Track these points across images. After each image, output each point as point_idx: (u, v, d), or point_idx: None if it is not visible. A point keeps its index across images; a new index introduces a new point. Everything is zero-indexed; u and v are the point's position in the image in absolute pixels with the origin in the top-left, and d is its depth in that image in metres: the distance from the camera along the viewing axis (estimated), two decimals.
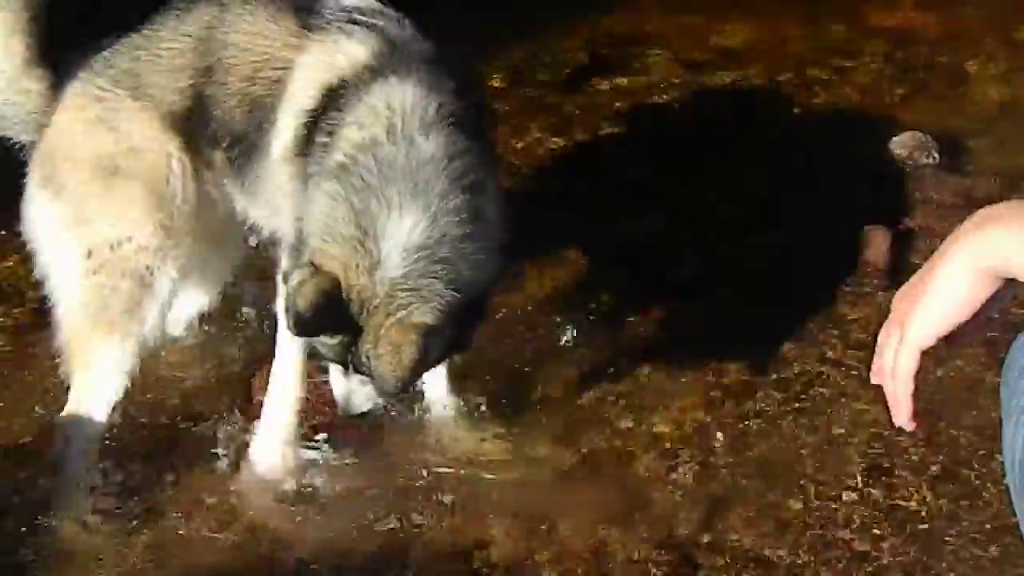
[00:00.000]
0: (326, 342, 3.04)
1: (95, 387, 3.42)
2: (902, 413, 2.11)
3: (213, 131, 3.38)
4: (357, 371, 3.07)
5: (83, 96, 3.39)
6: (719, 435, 3.84)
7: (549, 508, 3.58)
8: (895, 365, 2.07)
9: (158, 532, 3.47)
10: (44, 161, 3.42)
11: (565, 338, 4.20)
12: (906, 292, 2.10)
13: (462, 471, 3.67)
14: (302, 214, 3.15)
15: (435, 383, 3.77)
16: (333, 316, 2.95)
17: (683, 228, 4.74)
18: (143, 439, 3.72)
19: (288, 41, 3.28)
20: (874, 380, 2.16)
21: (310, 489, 3.61)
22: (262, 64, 3.31)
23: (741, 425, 3.89)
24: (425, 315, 2.93)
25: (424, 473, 3.66)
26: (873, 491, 3.61)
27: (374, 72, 3.14)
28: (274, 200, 3.37)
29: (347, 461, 3.69)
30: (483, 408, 3.86)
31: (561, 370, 4.08)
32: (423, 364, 2.98)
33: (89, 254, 3.37)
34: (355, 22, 3.23)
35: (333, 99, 3.16)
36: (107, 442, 3.55)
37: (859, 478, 3.67)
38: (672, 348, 4.16)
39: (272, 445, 3.60)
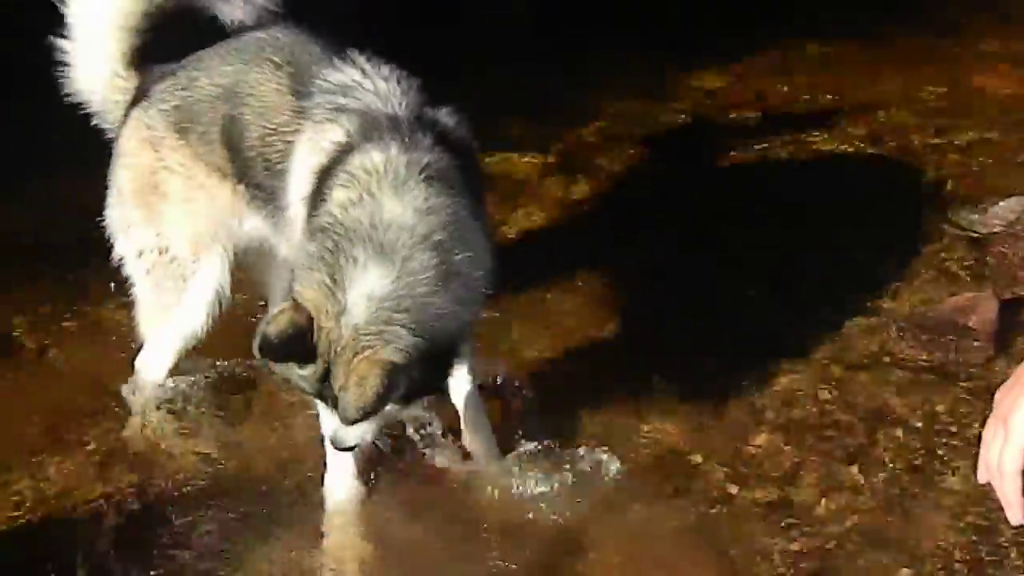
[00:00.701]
0: (300, 373, 3.30)
1: (151, 357, 4.12)
2: (1015, 511, 2.10)
3: (239, 170, 3.82)
4: (325, 402, 3.34)
5: (139, 119, 3.93)
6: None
7: None
8: (1000, 463, 2.07)
9: None
10: (112, 165, 4.02)
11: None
12: (1009, 388, 2.09)
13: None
14: (293, 263, 3.48)
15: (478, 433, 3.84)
16: (299, 347, 3.24)
17: (780, 290, 4.71)
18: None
19: (289, 119, 3.67)
20: (981, 479, 2.16)
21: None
22: (270, 134, 3.71)
23: None
24: (391, 354, 3.18)
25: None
26: None
27: (352, 147, 3.46)
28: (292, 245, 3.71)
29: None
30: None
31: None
32: (386, 396, 3.19)
33: (140, 254, 3.99)
34: (338, 106, 3.56)
35: (324, 178, 3.49)
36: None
37: None
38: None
39: (340, 479, 3.76)
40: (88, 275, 4.68)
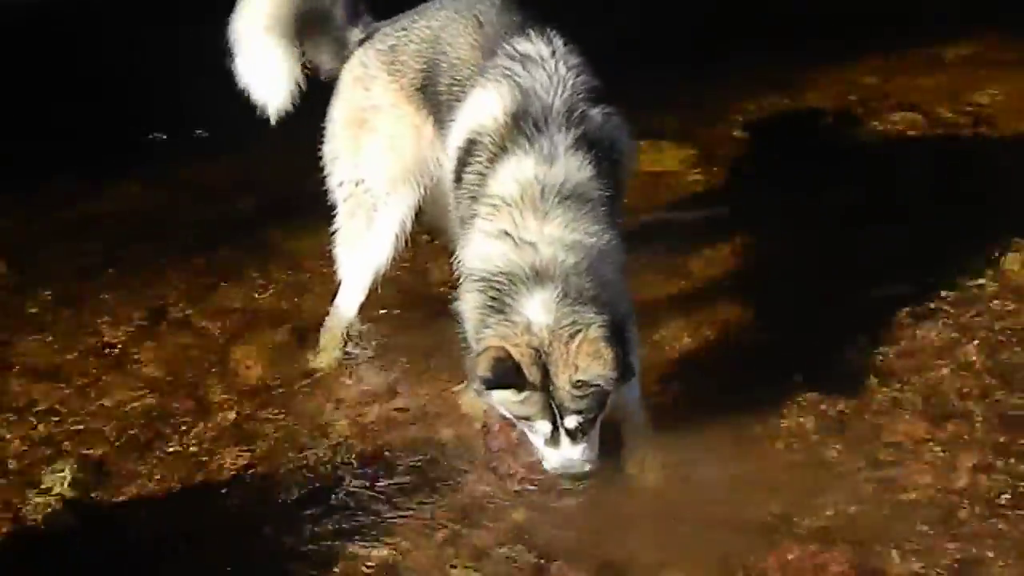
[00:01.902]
0: (515, 402, 3.52)
1: (346, 288, 4.41)
2: None
3: (431, 107, 4.07)
4: (567, 409, 3.50)
5: (357, 60, 4.22)
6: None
7: None
8: None
9: None
10: (331, 101, 4.29)
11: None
12: None
13: None
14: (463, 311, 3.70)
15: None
16: (510, 374, 3.47)
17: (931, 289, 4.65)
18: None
19: (470, 74, 3.90)
20: None
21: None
22: (455, 84, 3.96)
23: None
24: (597, 329, 3.47)
25: None
26: None
27: (505, 134, 3.69)
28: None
29: None
30: None
31: None
32: (623, 358, 3.48)
33: (341, 184, 4.27)
34: (511, 74, 3.76)
35: (470, 151, 3.77)
36: None
37: None
38: None
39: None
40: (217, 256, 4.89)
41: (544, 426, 3.56)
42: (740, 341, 4.44)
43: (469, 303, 3.64)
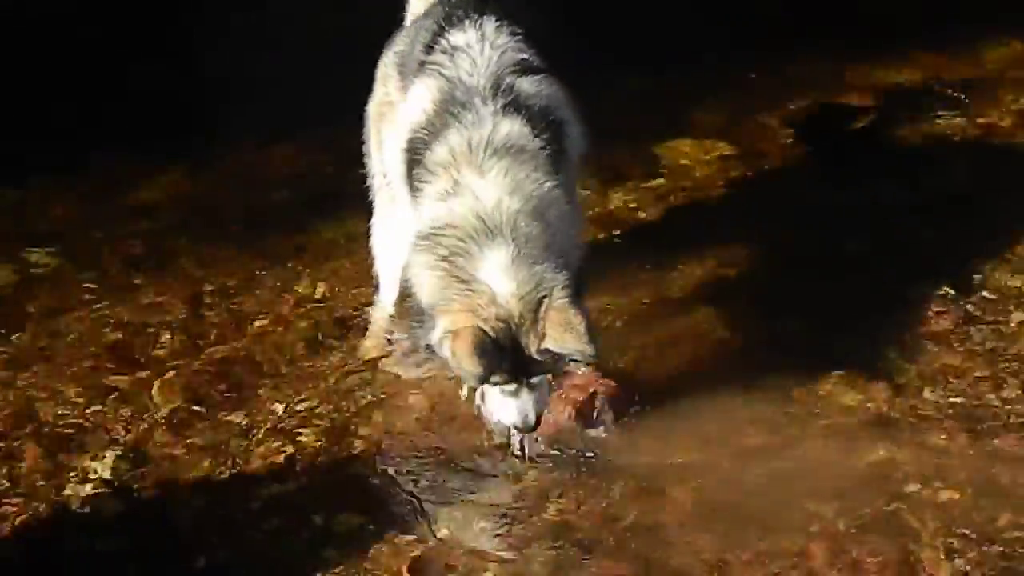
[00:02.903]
0: (501, 385, 3.58)
1: (382, 280, 4.53)
2: None
3: None
4: (534, 370, 3.56)
5: (382, 59, 4.37)
6: None
7: None
8: None
9: None
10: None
11: None
12: None
13: None
14: (417, 292, 3.67)
15: None
16: (493, 353, 3.47)
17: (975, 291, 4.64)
18: None
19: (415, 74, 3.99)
20: None
21: None
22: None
23: None
24: (562, 293, 3.49)
25: None
26: None
27: (435, 121, 3.78)
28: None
29: None
30: None
31: None
32: (591, 323, 3.52)
33: (373, 177, 4.42)
34: (438, 71, 3.88)
35: (412, 150, 3.85)
36: None
37: None
38: None
39: None
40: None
41: (510, 387, 3.61)
42: (773, 337, 4.43)
43: (419, 264, 3.63)
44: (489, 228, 3.55)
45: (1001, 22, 6.53)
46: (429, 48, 3.95)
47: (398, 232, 4.23)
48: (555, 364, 3.60)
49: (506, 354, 3.50)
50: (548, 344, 3.49)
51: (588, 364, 3.77)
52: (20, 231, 5.22)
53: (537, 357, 3.52)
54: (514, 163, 3.65)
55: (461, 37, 3.90)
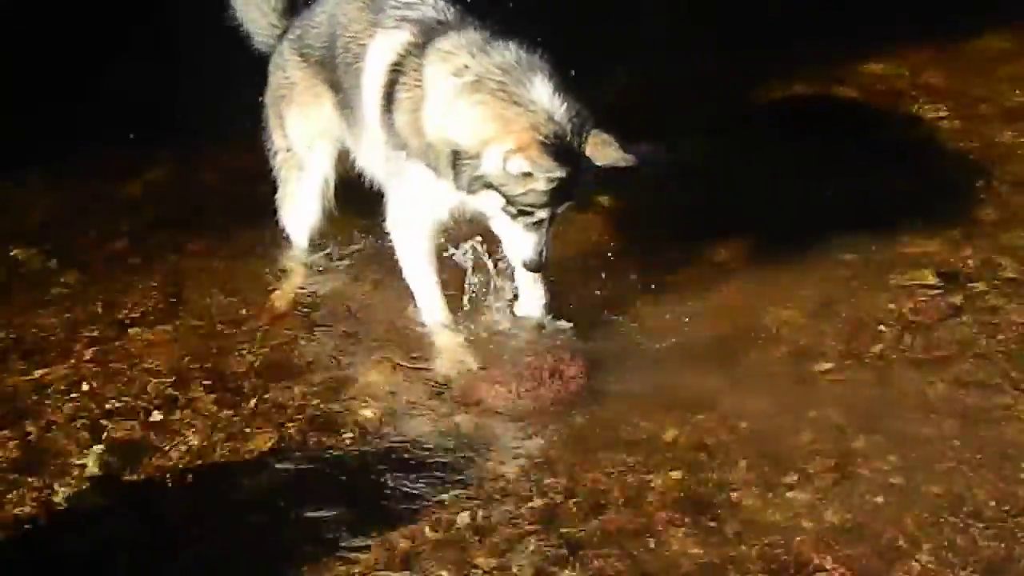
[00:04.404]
0: (542, 191, 3.93)
1: (289, 228, 5.01)
2: None
3: (335, 80, 4.61)
4: (569, 195, 4.00)
5: (276, 51, 4.90)
6: None
7: None
8: None
9: None
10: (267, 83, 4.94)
11: None
12: None
13: None
14: (456, 137, 4.04)
15: None
16: (561, 151, 3.91)
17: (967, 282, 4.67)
18: None
19: (364, 28, 4.43)
20: None
21: None
22: (349, 44, 4.48)
23: None
24: (592, 121, 3.98)
25: None
26: None
27: (423, 43, 4.20)
28: (369, 142, 4.49)
29: None
30: None
31: None
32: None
33: (276, 154, 4.93)
34: (404, 16, 4.33)
35: (398, 71, 4.23)
36: None
37: None
38: None
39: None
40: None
41: (544, 213, 3.99)
42: (765, 328, 4.46)
43: (469, 102, 3.99)
44: (528, 67, 3.99)
45: (989, 15, 6.56)
46: (379, 10, 4.41)
47: (300, 193, 4.86)
48: (583, 192, 4.06)
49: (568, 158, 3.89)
50: (593, 158, 3.93)
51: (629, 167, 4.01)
52: (4, 228, 5.22)
53: (580, 177, 3.94)
54: (516, 44, 4.09)
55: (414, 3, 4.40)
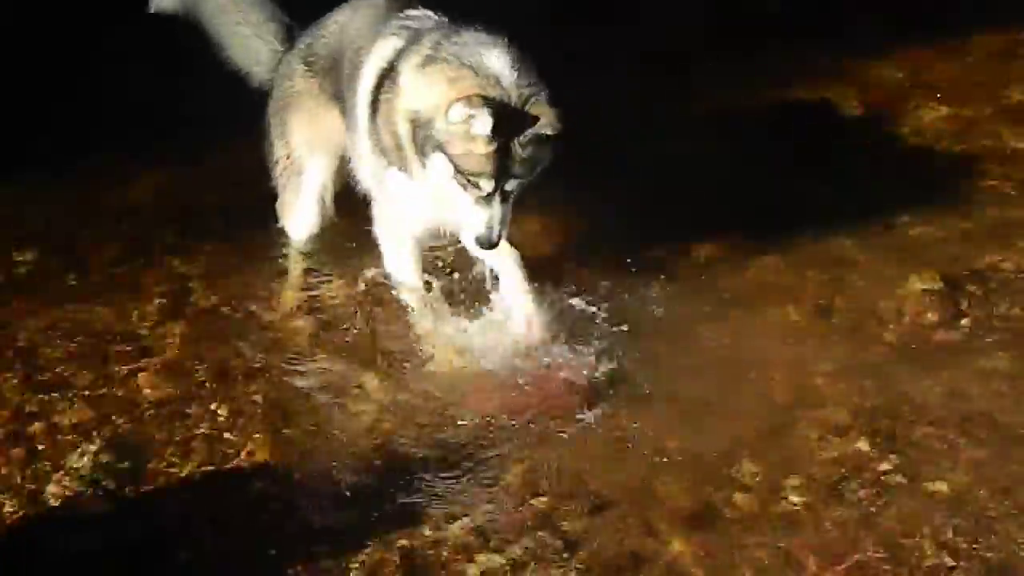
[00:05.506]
0: (481, 154, 3.96)
1: (290, 231, 5.05)
2: None
3: (339, 91, 4.68)
4: (513, 169, 4.00)
5: (284, 61, 4.98)
6: None
7: None
8: None
9: None
10: (269, 94, 5.03)
11: None
12: None
13: None
14: (416, 106, 4.14)
15: None
16: (501, 111, 3.95)
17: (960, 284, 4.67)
18: None
19: (367, 40, 4.51)
20: None
21: None
22: (356, 54, 4.55)
23: None
24: (544, 94, 4.02)
25: None
26: None
27: (407, 48, 4.30)
28: (360, 151, 4.58)
29: None
30: None
31: None
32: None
33: (277, 162, 4.98)
34: (401, 26, 4.44)
35: (386, 75, 4.33)
36: None
37: None
38: None
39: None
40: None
41: (488, 184, 4.02)
42: (765, 328, 4.48)
43: (428, 73, 4.10)
44: (485, 42, 4.10)
45: (989, 15, 6.56)
46: (386, 22, 4.49)
47: (300, 200, 4.92)
48: (531, 170, 4.04)
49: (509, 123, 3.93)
50: (533, 130, 3.94)
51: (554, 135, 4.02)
52: (4, 232, 5.20)
53: (522, 150, 3.96)
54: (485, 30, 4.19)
55: (414, 15, 4.47)
